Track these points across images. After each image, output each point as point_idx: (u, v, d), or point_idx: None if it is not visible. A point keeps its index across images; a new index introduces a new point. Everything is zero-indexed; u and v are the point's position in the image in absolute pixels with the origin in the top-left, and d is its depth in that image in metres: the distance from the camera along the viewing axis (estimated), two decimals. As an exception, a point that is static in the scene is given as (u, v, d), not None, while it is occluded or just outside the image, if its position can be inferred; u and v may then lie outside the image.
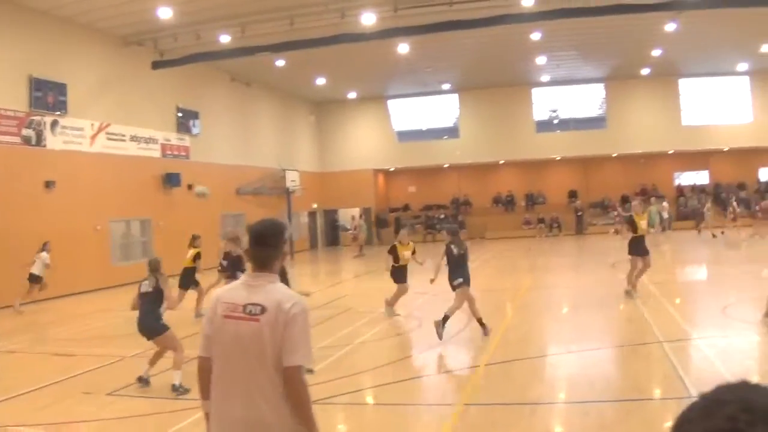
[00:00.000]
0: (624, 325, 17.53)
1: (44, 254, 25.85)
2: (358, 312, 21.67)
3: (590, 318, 18.30)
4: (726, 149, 55.21)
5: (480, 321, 16.65)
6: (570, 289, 25.24)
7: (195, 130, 40.31)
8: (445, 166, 58.39)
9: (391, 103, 57.71)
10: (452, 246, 17.47)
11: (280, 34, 32.27)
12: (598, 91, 55.74)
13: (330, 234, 58.59)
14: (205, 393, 5.03)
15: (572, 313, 19.68)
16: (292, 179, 49.39)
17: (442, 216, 58.38)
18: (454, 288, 16.94)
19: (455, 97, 56.84)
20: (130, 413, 11.39)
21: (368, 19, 31.90)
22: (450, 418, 10.59)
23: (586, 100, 56.63)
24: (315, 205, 55.45)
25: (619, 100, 54.41)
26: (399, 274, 20.64)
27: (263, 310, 4.76)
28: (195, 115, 40.36)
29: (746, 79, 53.89)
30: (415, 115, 58.37)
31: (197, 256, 21.93)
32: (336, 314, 21.22)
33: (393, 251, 20.71)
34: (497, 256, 41.42)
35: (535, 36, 37.78)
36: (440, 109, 57.92)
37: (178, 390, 12.23)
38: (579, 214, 55.19)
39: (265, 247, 5.08)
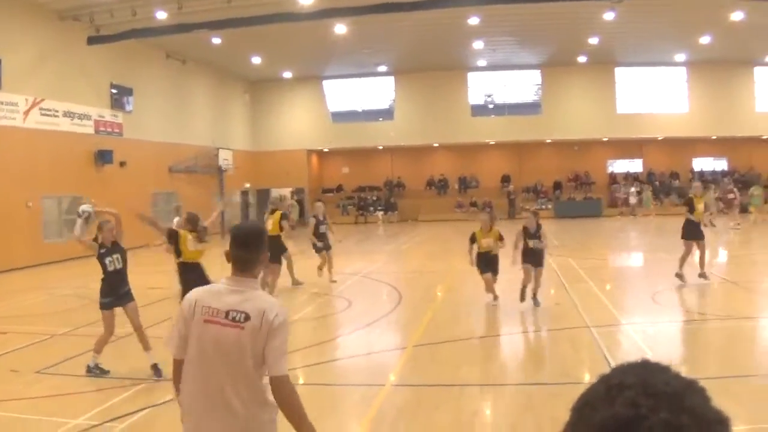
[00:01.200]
0: (553, 309, 17.62)
1: (177, 219, 27.10)
2: (287, 291, 21.52)
3: (514, 302, 18.43)
4: (660, 138, 56.01)
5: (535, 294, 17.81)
6: (501, 273, 25.37)
7: (129, 107, 39.85)
8: (380, 147, 58.28)
9: (327, 84, 57.33)
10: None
11: (218, 11, 31.98)
12: (534, 77, 56.02)
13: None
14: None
15: (502, 297, 19.74)
16: (225, 158, 49.04)
17: (375, 198, 58.49)
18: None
19: (391, 79, 56.65)
20: (58, 391, 11.26)
21: (307, -1, 31.73)
22: (378, 398, 10.67)
23: (521, 85, 56.87)
24: (248, 185, 55.00)
25: (554, 86, 54.79)
26: (480, 262, 18.36)
27: (247, 317, 4.81)
28: (129, 92, 39.90)
29: (683, 69, 54.67)
30: (350, 96, 58.07)
31: None
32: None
33: (472, 239, 18.37)
34: (430, 239, 41.54)
35: (473, 21, 37.77)
36: (376, 90, 57.69)
37: (93, 371, 12.06)
38: (511, 198, 55.50)
39: (249, 250, 5.08)
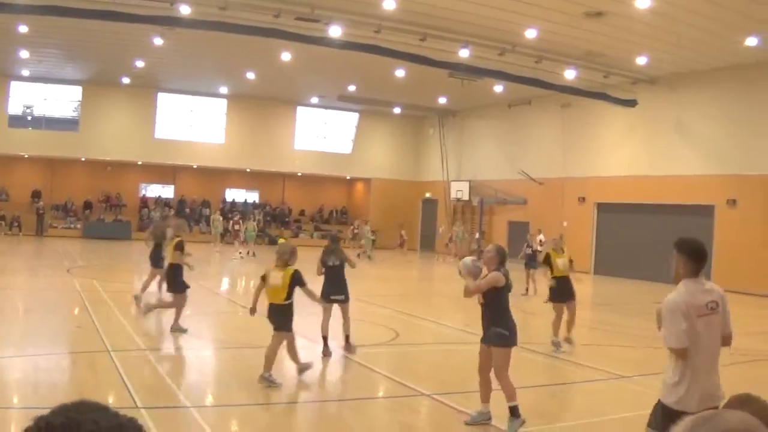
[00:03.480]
0: (74, 331, 17.54)
1: None
2: None
3: (40, 322, 18.16)
4: (195, 166, 57.29)
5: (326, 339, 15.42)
6: (22, 292, 24.79)
7: None
8: None
9: None
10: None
11: None
12: (76, 93, 55.07)
13: None
14: None
15: (23, 317, 19.36)
16: None
17: None
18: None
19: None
20: None
21: None
22: None
23: (62, 100, 55.76)
24: None
25: (95, 105, 54.18)
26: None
27: (717, 304, 7.13)
28: None
29: (224, 101, 56.81)
30: None
31: None
32: None
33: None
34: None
35: (23, 29, 36.50)
36: None
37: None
38: (41, 213, 54.24)
39: (705, 262, 7.22)
